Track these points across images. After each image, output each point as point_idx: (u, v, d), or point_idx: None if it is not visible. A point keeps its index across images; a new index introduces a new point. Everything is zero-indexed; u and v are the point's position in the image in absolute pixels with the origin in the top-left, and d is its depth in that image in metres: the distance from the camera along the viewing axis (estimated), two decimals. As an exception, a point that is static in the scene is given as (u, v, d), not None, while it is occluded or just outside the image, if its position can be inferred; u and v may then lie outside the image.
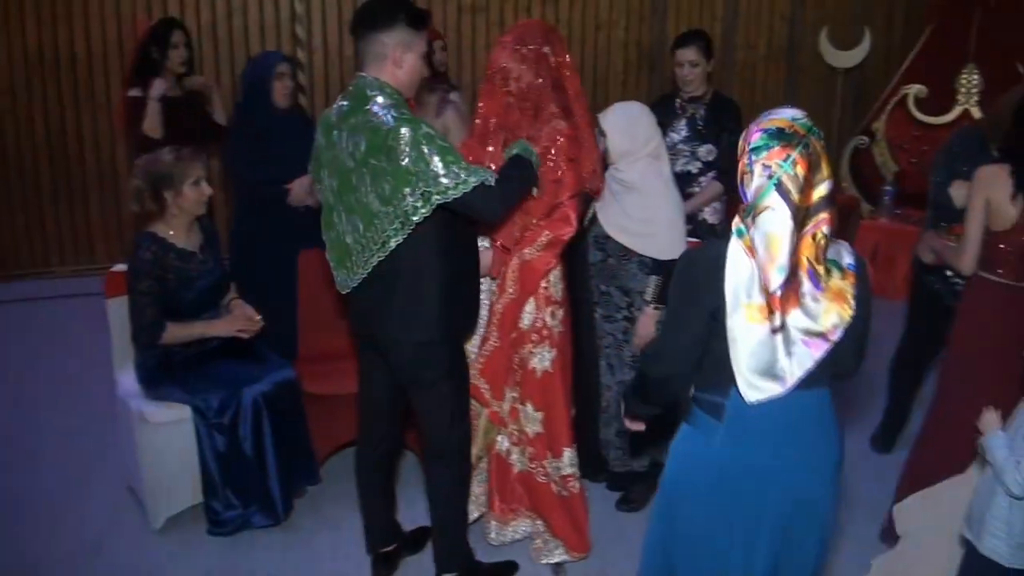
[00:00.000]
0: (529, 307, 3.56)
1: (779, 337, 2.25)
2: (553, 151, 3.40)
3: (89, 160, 7.11)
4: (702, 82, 4.80)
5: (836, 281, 2.28)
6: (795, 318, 2.24)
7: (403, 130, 2.89)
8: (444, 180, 2.88)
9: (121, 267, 4.10)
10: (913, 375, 4.64)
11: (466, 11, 7.67)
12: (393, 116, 2.93)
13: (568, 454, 3.67)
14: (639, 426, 2.69)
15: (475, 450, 3.61)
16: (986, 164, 3.46)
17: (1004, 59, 7.10)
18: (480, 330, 3.62)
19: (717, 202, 4.83)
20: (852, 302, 2.28)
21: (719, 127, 4.74)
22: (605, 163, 3.77)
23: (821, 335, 2.27)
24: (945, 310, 4.24)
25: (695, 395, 2.44)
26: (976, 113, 7.03)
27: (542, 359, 3.59)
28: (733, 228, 2.28)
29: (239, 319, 3.88)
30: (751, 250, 2.22)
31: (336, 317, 4.36)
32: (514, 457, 3.74)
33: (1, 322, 6.38)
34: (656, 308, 3.76)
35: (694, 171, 4.74)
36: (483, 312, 3.56)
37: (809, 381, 2.32)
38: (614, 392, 3.98)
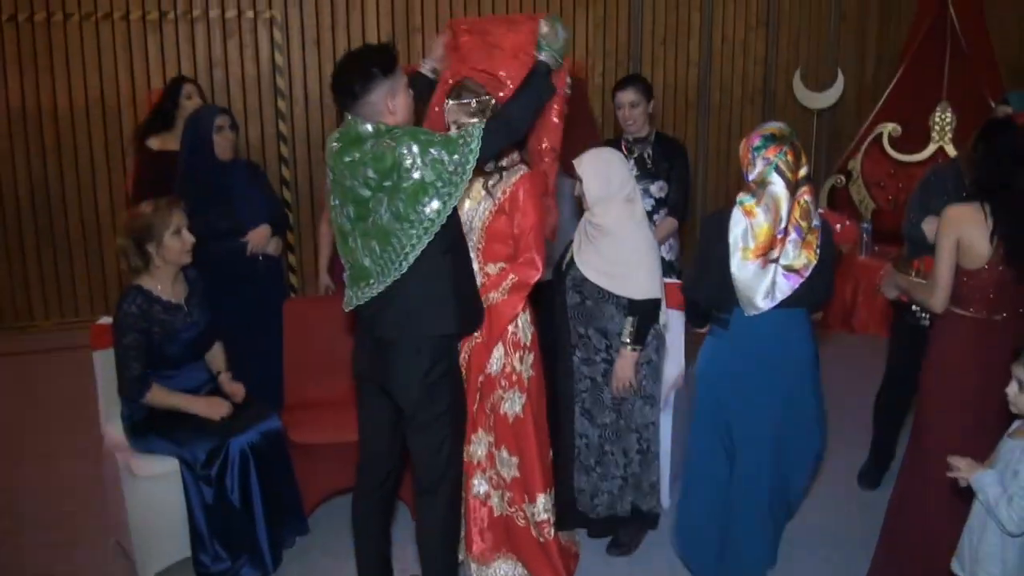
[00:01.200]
0: (497, 352, 3.58)
1: (768, 270, 3.28)
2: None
3: (72, 214, 7.12)
4: (644, 123, 4.90)
5: (808, 235, 3.30)
6: (782, 258, 3.28)
7: (404, 149, 2.98)
8: (458, 157, 3.01)
9: (106, 320, 4.10)
10: (897, 410, 4.66)
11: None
12: (392, 138, 3.02)
13: (542, 499, 3.67)
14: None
15: None
16: (957, 202, 3.49)
17: (976, 97, 7.22)
18: None
19: (672, 239, 4.96)
20: (817, 250, 3.31)
21: (668, 164, 4.86)
22: (580, 207, 3.85)
23: (796, 271, 3.30)
24: (922, 349, 4.29)
25: (712, 315, 3.48)
26: (951, 150, 7.12)
27: (512, 404, 3.60)
28: (737, 199, 3.32)
29: (219, 407, 3.89)
30: (749, 213, 3.26)
31: (321, 366, 4.38)
32: (494, 501, 3.74)
33: (-16, 377, 6.34)
34: (634, 349, 3.77)
35: (648, 208, 4.82)
36: None
37: (788, 303, 3.32)
38: (591, 439, 3.94)
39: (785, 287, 3.29)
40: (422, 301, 3.14)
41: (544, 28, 3.35)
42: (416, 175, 2.98)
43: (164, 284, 3.80)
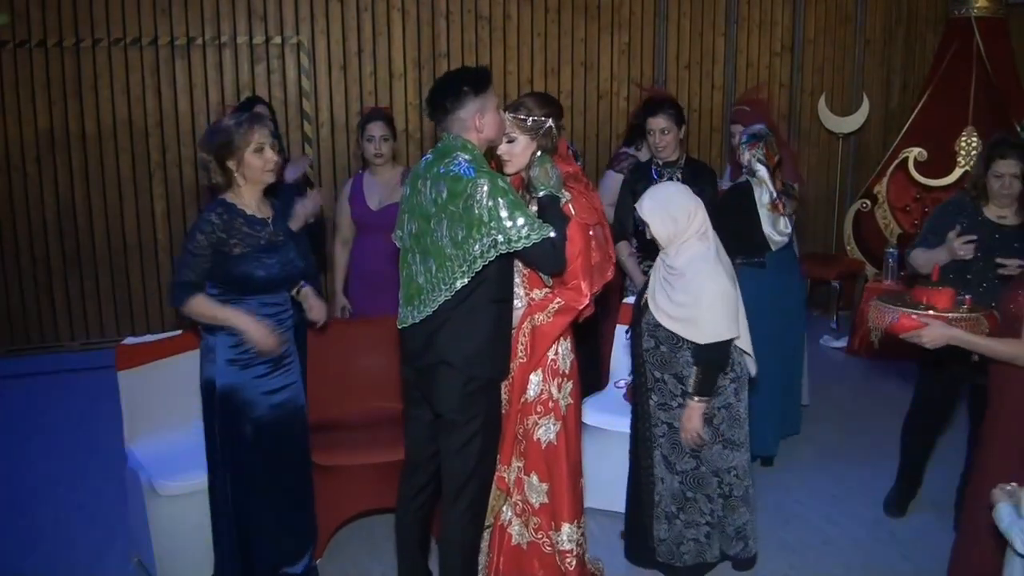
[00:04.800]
0: (536, 377, 3.54)
1: (780, 218, 4.81)
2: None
3: (99, 236, 7.17)
4: (675, 148, 4.97)
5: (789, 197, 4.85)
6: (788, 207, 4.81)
7: (481, 181, 3.13)
8: (511, 232, 3.12)
9: (131, 340, 4.13)
10: (925, 439, 4.58)
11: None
12: (474, 169, 3.18)
13: (567, 529, 3.61)
14: None
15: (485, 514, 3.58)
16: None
17: (1003, 121, 7.19)
18: None
19: None
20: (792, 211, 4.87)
21: (698, 188, 4.79)
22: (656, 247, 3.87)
23: (791, 215, 4.90)
24: (953, 374, 4.24)
25: (755, 261, 4.91)
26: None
27: (547, 431, 3.56)
28: (745, 177, 4.86)
29: (270, 341, 3.52)
30: (762, 182, 4.75)
31: (344, 388, 4.39)
32: (514, 529, 3.69)
33: (11, 396, 6.39)
34: (699, 401, 3.70)
35: None
36: None
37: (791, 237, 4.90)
38: (671, 485, 3.89)
39: (789, 226, 4.89)
40: (465, 342, 3.26)
41: (535, 172, 3.41)
42: (477, 211, 3.11)
43: (248, 202, 3.57)
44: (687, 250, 3.69)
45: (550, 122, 3.52)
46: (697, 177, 4.92)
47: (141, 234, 7.20)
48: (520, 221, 3.12)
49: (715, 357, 3.67)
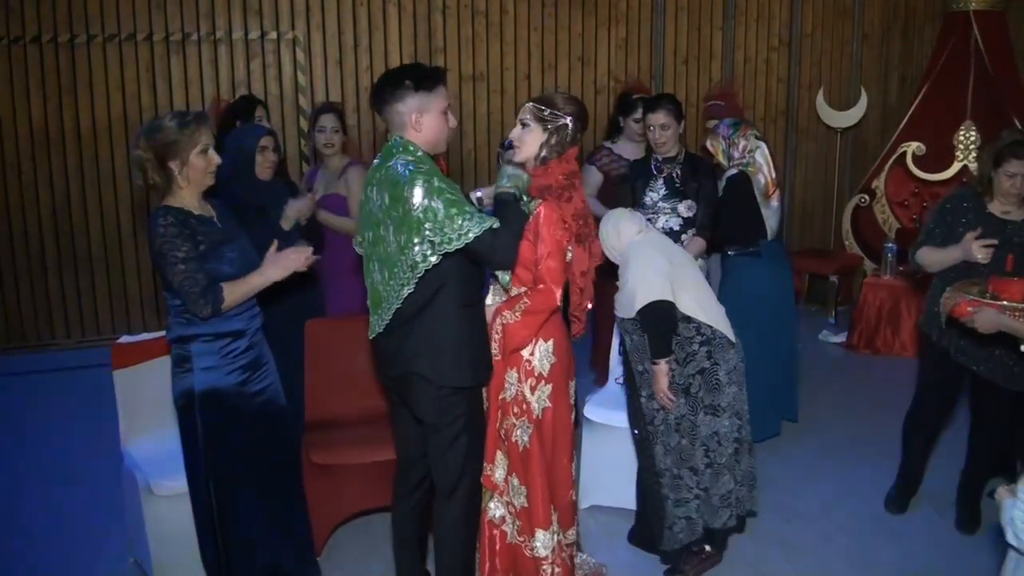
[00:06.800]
0: (511, 377, 3.47)
1: (774, 204, 5.03)
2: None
3: (94, 233, 7.15)
4: (674, 143, 4.98)
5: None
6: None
7: (416, 182, 3.07)
8: (447, 231, 3.05)
9: (127, 339, 4.09)
10: (926, 436, 4.55)
11: (467, 80, 7.77)
12: (410, 170, 3.11)
13: (541, 536, 3.53)
14: None
15: None
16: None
17: (1001, 115, 7.17)
18: None
19: (701, 258, 4.96)
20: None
21: (696, 183, 4.93)
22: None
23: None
24: (955, 370, 4.22)
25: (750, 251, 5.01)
26: (975, 169, 7.06)
27: (522, 433, 3.48)
28: (738, 169, 4.97)
29: (289, 257, 3.44)
30: (757, 170, 4.95)
31: (342, 386, 4.36)
32: (508, 527, 3.63)
33: (6, 394, 6.37)
34: (660, 363, 3.77)
35: (676, 227, 4.92)
36: None
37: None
38: (673, 475, 3.91)
39: (780, 215, 5.11)
40: (431, 350, 3.22)
41: (509, 169, 3.37)
42: (414, 213, 3.07)
43: (191, 203, 3.39)
44: (627, 244, 3.89)
45: (567, 120, 3.47)
46: (696, 172, 4.95)
47: (137, 231, 7.16)
48: (457, 219, 3.05)
49: (654, 321, 3.74)
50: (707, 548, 4.02)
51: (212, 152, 3.38)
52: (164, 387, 3.78)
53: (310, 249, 3.48)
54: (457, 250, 3.08)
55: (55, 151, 6.98)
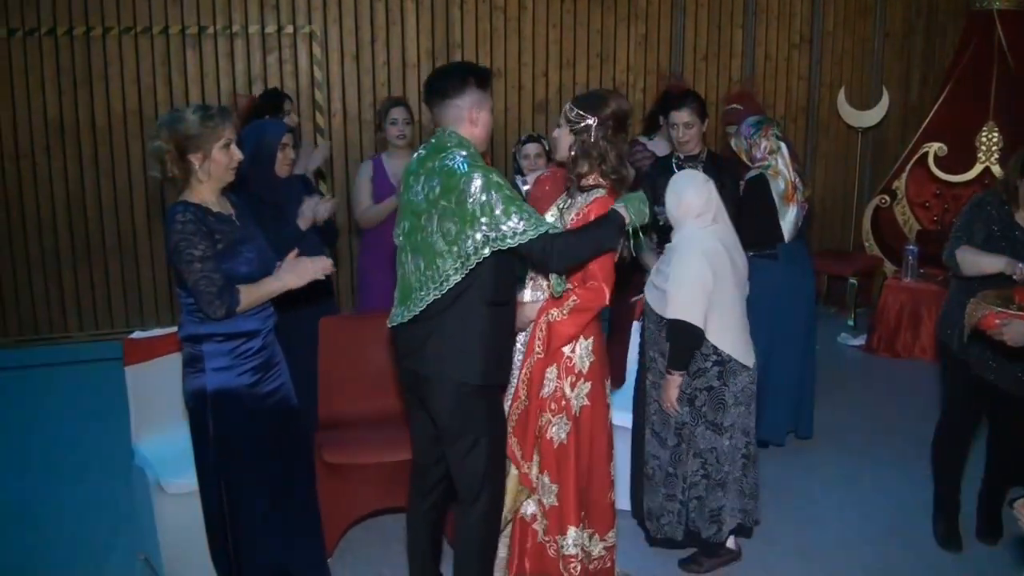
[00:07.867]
0: (551, 373, 3.48)
1: (793, 208, 4.96)
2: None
3: (108, 225, 7.13)
4: (697, 142, 4.96)
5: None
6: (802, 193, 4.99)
7: (475, 175, 3.07)
8: (504, 228, 3.05)
9: (139, 334, 4.07)
10: (958, 452, 4.30)
11: (484, 75, 7.70)
12: (468, 164, 3.13)
13: (572, 533, 3.54)
14: None
15: (504, 511, 3.51)
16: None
17: (1024, 117, 7.09)
18: (511, 387, 3.54)
19: None
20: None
21: (719, 183, 4.78)
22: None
23: (803, 202, 5.01)
24: (977, 380, 4.09)
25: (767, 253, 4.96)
26: (997, 171, 6.98)
27: (559, 429, 3.49)
28: (758, 170, 4.96)
29: (307, 265, 3.37)
30: (777, 173, 4.91)
31: (356, 384, 4.32)
32: (539, 525, 3.63)
33: (18, 387, 6.36)
34: (674, 374, 3.77)
35: None
36: (514, 369, 3.52)
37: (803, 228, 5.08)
38: (663, 460, 3.94)
39: (800, 219, 4.98)
40: (455, 347, 3.19)
41: (620, 210, 3.30)
42: (470, 206, 3.04)
43: (210, 199, 3.30)
44: (686, 229, 3.79)
45: (590, 122, 3.44)
46: (719, 171, 4.85)
47: (151, 224, 7.13)
48: (514, 217, 3.05)
49: (679, 336, 3.73)
50: (729, 547, 4.07)
51: (235, 147, 3.30)
52: (176, 384, 3.75)
53: (330, 261, 3.43)
54: (510, 248, 3.07)
55: (70, 143, 6.96)
